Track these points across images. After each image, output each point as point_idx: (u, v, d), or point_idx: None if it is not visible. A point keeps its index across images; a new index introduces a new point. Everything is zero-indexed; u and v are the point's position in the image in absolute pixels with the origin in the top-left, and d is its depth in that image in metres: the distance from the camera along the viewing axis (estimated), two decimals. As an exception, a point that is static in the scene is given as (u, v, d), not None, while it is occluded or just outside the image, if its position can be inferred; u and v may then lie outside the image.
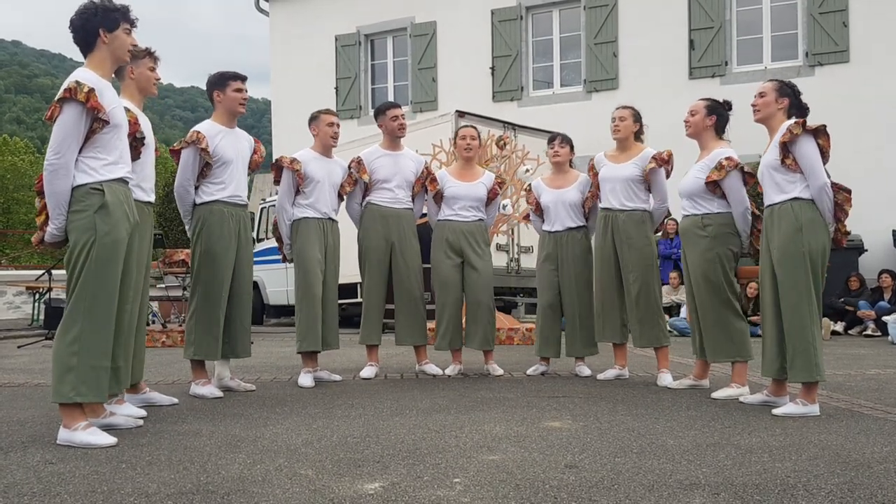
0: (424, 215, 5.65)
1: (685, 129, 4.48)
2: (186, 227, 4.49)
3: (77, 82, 3.04)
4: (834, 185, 3.68)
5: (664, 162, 4.81)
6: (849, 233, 3.85)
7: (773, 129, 3.84)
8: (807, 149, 3.66)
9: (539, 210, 5.31)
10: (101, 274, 3.02)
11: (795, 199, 3.69)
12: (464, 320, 5.29)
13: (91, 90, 3.04)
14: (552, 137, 5.32)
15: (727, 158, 4.26)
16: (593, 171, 5.06)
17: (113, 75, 3.33)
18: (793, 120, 3.74)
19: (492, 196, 5.34)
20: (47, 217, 3.09)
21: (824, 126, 3.67)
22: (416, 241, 5.26)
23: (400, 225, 5.17)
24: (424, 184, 5.33)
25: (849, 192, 3.71)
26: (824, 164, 3.68)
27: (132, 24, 3.24)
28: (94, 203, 3.05)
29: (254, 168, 4.64)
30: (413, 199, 5.31)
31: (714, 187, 4.26)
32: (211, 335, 4.32)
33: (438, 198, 5.30)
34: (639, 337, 4.85)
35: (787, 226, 3.68)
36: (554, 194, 5.20)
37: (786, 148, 3.69)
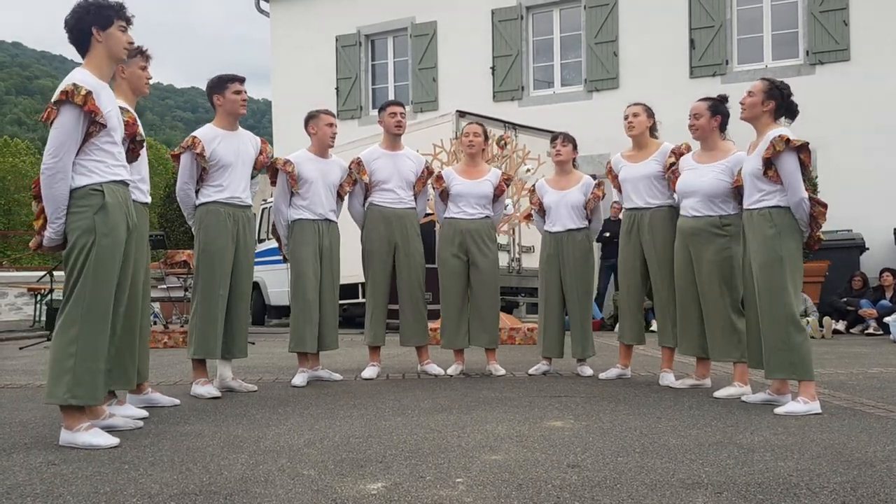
0: (428, 214, 5.64)
1: (691, 133, 4.42)
2: (193, 229, 4.52)
3: (74, 85, 3.00)
4: (812, 198, 3.82)
5: (682, 156, 4.68)
6: (820, 238, 3.96)
7: (759, 129, 3.94)
8: (788, 164, 3.76)
9: (542, 210, 5.31)
10: (99, 275, 3.00)
11: (775, 206, 3.82)
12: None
13: (88, 93, 3.00)
14: (555, 136, 5.31)
15: None
16: (612, 174, 5.01)
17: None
18: (777, 132, 3.79)
19: (498, 193, 5.33)
20: (45, 221, 3.05)
21: (807, 143, 3.78)
22: (419, 241, 5.25)
23: (403, 225, 5.17)
24: (426, 183, 5.34)
25: (825, 206, 3.86)
26: (804, 176, 3.81)
27: (128, 21, 3.16)
28: (95, 204, 3.03)
29: (259, 168, 4.65)
30: (416, 199, 5.31)
31: (737, 190, 4.23)
32: (211, 334, 4.34)
33: (444, 196, 5.31)
34: (663, 336, 4.77)
35: (765, 231, 3.80)
36: (557, 195, 5.19)
37: (769, 160, 3.78)
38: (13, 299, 14.47)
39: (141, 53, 3.78)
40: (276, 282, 12.09)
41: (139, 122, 3.63)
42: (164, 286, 10.96)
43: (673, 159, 4.70)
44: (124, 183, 3.19)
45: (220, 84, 4.45)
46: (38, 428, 3.41)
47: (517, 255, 9.90)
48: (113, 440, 3.00)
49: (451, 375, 5.18)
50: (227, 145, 4.42)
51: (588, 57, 13.06)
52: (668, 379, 4.69)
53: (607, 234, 10.00)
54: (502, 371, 5.23)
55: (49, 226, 3.04)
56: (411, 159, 5.29)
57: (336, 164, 5.08)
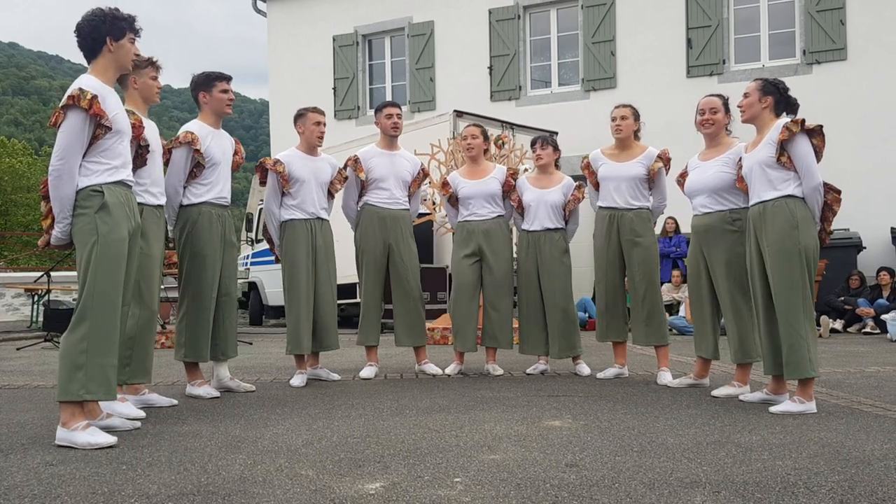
0: (422, 215, 5.66)
1: (703, 127, 4.34)
2: (169, 227, 4.40)
3: (80, 89, 3.09)
4: (825, 185, 3.74)
5: (668, 161, 4.84)
6: (832, 232, 3.88)
7: (761, 127, 3.89)
8: (803, 148, 3.70)
9: (520, 207, 5.31)
10: (105, 273, 3.07)
11: (789, 196, 3.72)
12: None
13: (94, 97, 3.08)
14: (534, 141, 5.35)
15: None
16: (590, 170, 5.03)
17: (116, 82, 3.36)
18: (789, 118, 3.76)
19: (507, 189, 5.31)
20: (53, 220, 3.15)
21: (821, 126, 3.71)
22: (413, 242, 5.25)
23: (397, 225, 5.16)
24: (421, 184, 5.36)
25: (838, 192, 3.76)
26: (817, 162, 3.73)
27: (137, 34, 3.30)
28: (95, 204, 3.10)
29: (235, 169, 4.62)
30: (409, 200, 5.30)
31: (742, 182, 4.18)
32: (202, 337, 4.32)
33: (454, 201, 5.31)
34: (644, 336, 4.83)
35: (782, 222, 3.69)
36: (536, 193, 5.20)
37: (782, 146, 3.71)
38: (10, 300, 14.44)
39: (152, 64, 3.87)
40: (274, 282, 12.08)
41: (147, 128, 3.68)
42: (163, 286, 10.93)
43: (660, 164, 4.80)
44: (126, 184, 3.26)
45: (208, 81, 4.43)
46: (35, 428, 3.40)
47: (514, 255, 9.89)
48: (111, 438, 3.01)
49: (449, 375, 5.18)
50: (216, 143, 4.40)
51: (585, 56, 13.07)
52: (665, 377, 4.69)
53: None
54: (500, 371, 5.24)
55: (56, 225, 3.14)
56: (407, 160, 5.30)
57: (326, 162, 5.05)
